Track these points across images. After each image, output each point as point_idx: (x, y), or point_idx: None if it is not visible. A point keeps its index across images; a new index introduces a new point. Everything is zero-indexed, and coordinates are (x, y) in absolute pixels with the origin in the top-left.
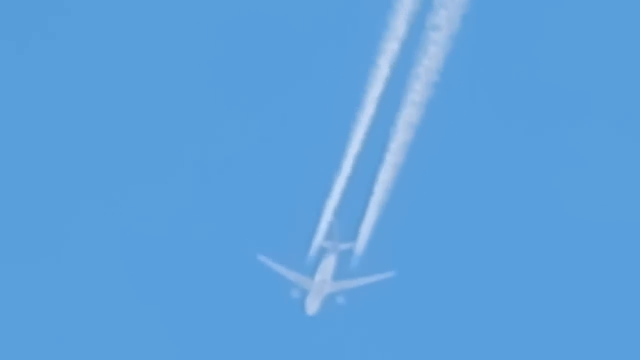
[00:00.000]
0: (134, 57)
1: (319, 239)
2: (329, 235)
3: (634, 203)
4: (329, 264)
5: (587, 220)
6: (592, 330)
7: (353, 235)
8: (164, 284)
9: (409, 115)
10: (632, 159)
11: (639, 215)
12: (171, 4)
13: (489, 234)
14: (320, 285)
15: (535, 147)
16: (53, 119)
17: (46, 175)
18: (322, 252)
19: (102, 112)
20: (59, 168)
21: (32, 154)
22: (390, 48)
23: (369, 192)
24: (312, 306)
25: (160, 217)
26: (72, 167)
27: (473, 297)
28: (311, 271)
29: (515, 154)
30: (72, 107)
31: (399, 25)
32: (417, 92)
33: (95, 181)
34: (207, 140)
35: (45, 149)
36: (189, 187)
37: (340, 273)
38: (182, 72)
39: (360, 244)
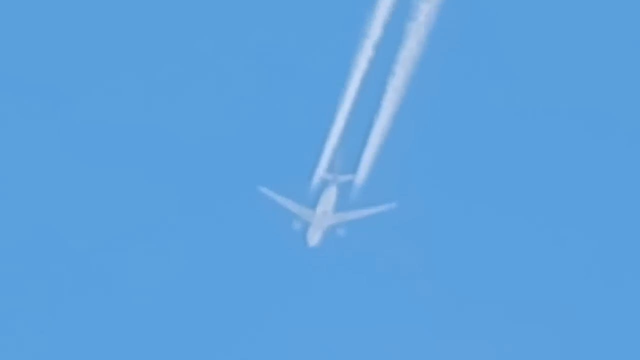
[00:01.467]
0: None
1: (320, 170)
2: (330, 167)
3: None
4: (330, 195)
5: (580, 161)
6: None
7: (354, 167)
8: (164, 215)
9: (411, 48)
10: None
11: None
12: None
13: (490, 165)
14: (322, 217)
15: (535, 84)
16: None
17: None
18: (323, 184)
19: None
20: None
21: None
22: None
23: (370, 124)
24: (314, 238)
25: (161, 148)
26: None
27: (474, 227)
28: (312, 203)
29: (518, 85)
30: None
31: None
32: (420, 25)
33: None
34: (208, 73)
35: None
36: (191, 119)
37: (341, 205)
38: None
39: (361, 175)
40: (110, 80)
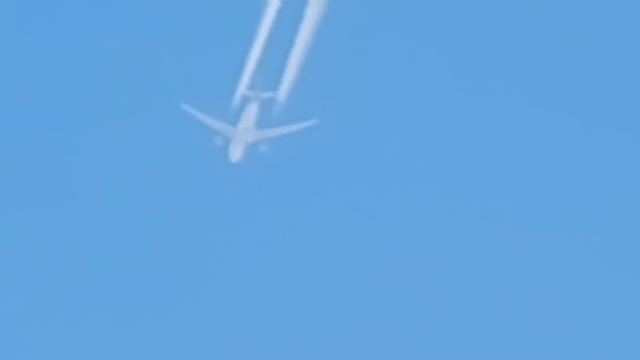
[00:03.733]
0: None
1: (241, 88)
2: (251, 85)
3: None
4: (251, 112)
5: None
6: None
7: (275, 84)
8: (84, 131)
9: None
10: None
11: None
12: None
13: (409, 80)
14: (243, 133)
15: None
16: None
17: None
18: (245, 101)
19: None
20: None
21: None
22: None
23: (291, 41)
24: (235, 154)
25: (83, 61)
26: None
27: (394, 142)
28: (234, 120)
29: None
30: None
31: None
32: None
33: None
34: None
35: None
36: (112, 34)
37: (263, 122)
38: None
39: (283, 92)
40: None
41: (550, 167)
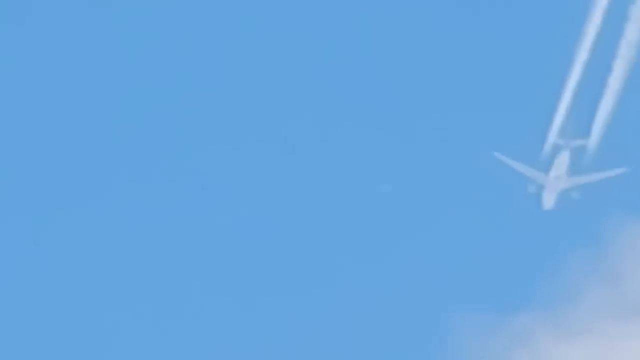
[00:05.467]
0: None
1: (552, 136)
2: (562, 133)
3: None
4: (563, 160)
5: None
6: None
7: (586, 132)
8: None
9: None
10: None
11: None
12: None
13: None
14: (555, 181)
15: None
16: None
17: None
18: (556, 149)
19: None
20: None
21: None
22: None
23: (601, 89)
24: (548, 201)
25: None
26: None
27: None
28: (546, 167)
29: None
30: None
31: None
32: None
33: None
34: None
35: None
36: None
37: (573, 169)
38: None
39: (593, 140)
40: None
41: None
